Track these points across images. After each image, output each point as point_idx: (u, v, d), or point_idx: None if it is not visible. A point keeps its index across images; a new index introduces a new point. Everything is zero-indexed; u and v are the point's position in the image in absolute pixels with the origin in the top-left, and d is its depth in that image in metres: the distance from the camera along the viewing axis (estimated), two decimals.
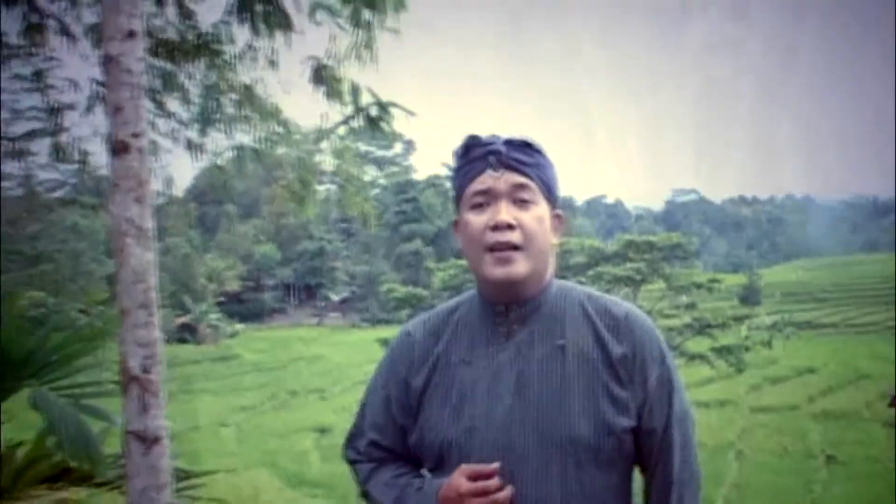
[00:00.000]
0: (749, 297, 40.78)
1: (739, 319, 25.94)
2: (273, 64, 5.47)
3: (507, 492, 1.56)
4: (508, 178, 1.64)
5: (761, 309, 33.82)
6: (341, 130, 5.83)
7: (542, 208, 1.66)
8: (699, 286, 25.93)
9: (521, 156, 1.65)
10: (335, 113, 5.64)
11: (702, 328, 24.81)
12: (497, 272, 1.62)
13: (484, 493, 1.55)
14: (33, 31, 5.16)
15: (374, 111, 5.52)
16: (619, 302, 1.71)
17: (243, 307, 52.67)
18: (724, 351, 24.54)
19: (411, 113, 5.61)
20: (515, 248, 1.61)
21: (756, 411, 24.64)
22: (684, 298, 26.02)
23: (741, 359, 24.91)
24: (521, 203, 1.64)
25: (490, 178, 1.64)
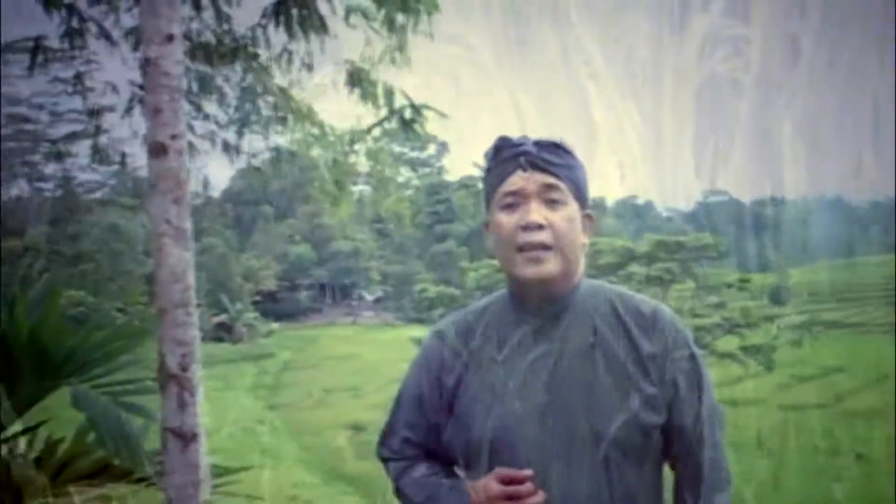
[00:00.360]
0: (778, 296, 40.27)
1: (769, 319, 25.73)
2: (308, 67, 5.52)
3: (539, 497, 1.56)
4: (538, 179, 1.65)
5: (790, 308, 33.46)
6: (375, 132, 5.86)
7: (571, 208, 1.66)
8: (729, 286, 25.82)
9: (550, 156, 1.66)
10: (369, 115, 5.69)
11: (731, 327, 24.61)
12: (528, 272, 1.63)
13: (515, 497, 1.56)
14: (73, 34, 5.23)
15: (407, 113, 5.54)
16: (648, 300, 1.72)
17: (279, 306, 52.79)
18: (753, 350, 24.30)
19: (444, 115, 5.63)
20: (546, 247, 1.62)
21: (785, 409, 24.40)
22: (714, 298, 25.83)
23: (770, 358, 24.65)
24: (552, 203, 1.64)
25: (520, 179, 1.65)
